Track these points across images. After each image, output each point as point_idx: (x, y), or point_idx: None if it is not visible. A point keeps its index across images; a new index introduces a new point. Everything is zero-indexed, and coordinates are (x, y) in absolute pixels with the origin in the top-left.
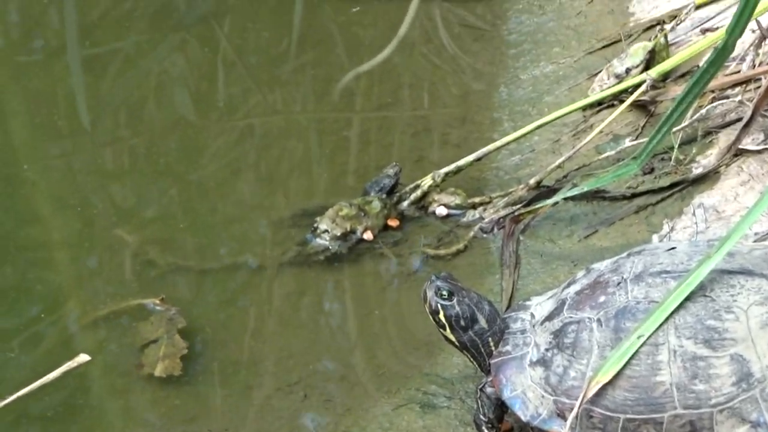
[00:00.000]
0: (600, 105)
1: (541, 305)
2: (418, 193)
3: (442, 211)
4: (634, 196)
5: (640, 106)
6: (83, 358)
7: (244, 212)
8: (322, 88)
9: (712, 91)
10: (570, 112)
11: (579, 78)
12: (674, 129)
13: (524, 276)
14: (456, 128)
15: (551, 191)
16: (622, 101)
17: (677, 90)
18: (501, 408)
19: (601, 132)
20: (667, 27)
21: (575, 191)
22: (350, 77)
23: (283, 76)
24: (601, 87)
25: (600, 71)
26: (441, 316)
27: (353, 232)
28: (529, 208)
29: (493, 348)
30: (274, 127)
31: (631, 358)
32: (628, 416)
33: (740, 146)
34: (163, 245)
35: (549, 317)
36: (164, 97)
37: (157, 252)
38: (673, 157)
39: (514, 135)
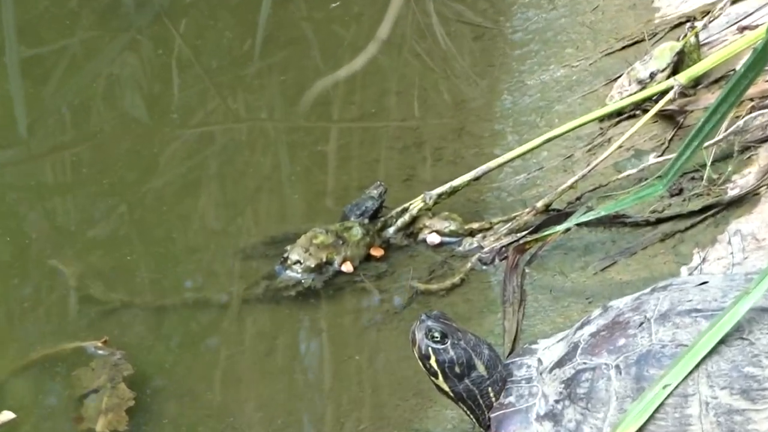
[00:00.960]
0: (620, 115)
1: (549, 349)
2: (407, 217)
3: (434, 238)
4: (659, 221)
5: (666, 116)
6: (7, 415)
7: (203, 238)
8: (294, 93)
9: (751, 99)
10: (584, 124)
11: (595, 84)
12: (706, 143)
13: (530, 315)
14: (451, 142)
15: (562, 216)
16: (645, 111)
17: (710, 98)
18: None
19: (620, 147)
20: (699, 24)
21: (590, 216)
22: (326, 83)
23: (246, 79)
24: (621, 94)
25: (620, 76)
26: (432, 361)
27: (330, 263)
28: (536, 236)
29: (493, 399)
30: (237, 136)
31: (656, 411)
32: None
33: None
34: (108, 277)
35: (559, 363)
36: (113, 101)
37: (101, 285)
38: (705, 177)
39: (520, 150)
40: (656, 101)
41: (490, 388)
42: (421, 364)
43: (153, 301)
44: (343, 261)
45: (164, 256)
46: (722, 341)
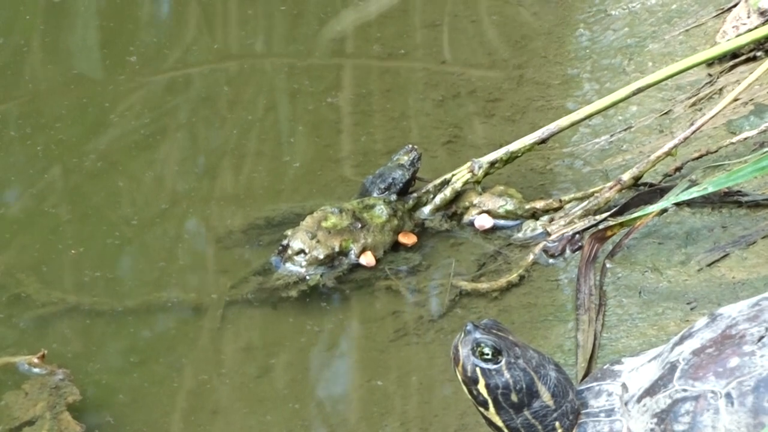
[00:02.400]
0: (735, 58)
1: (638, 371)
2: (448, 193)
3: (484, 221)
4: None
5: None
6: None
7: (173, 220)
8: (303, 27)
9: None
10: (688, 69)
11: (702, 15)
12: None
13: (612, 325)
14: (508, 92)
15: (656, 192)
16: None
17: None
18: None
19: (736, 100)
20: None
21: (694, 192)
22: (346, 19)
23: (236, 6)
24: (738, 29)
25: (736, 4)
26: (481, 386)
27: (344, 253)
28: (621, 219)
29: None
30: (219, 82)
31: None
32: None
33: None
34: (44, 271)
35: (651, 390)
36: (54, 40)
37: (36, 282)
38: None
39: (600, 104)
40: None
41: (557, 422)
42: (466, 389)
43: (105, 303)
44: (363, 251)
45: (120, 244)
46: None
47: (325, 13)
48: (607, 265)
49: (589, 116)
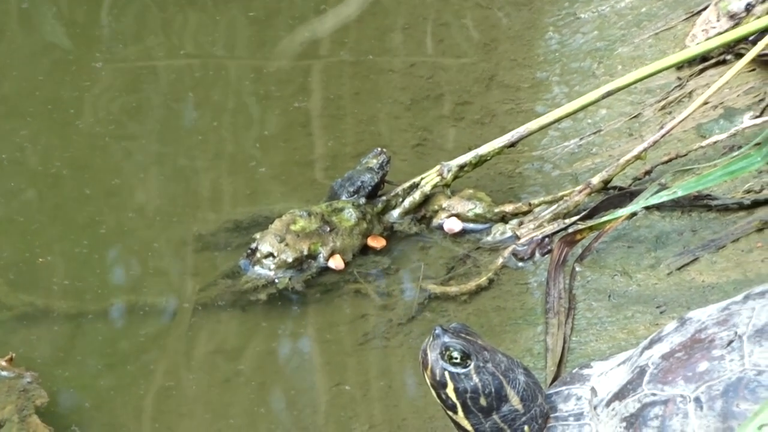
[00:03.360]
0: (704, 61)
1: (607, 375)
2: (417, 196)
3: (453, 225)
4: (756, 204)
5: (767, 63)
6: None
7: (142, 222)
8: (270, 32)
9: None
10: (657, 72)
11: (672, 18)
12: None
13: (582, 328)
14: (477, 95)
15: (626, 196)
16: (739, 56)
17: None
18: None
19: (705, 103)
20: None
21: (664, 196)
22: (312, 27)
23: (204, 3)
24: (707, 33)
25: (705, 8)
26: (450, 390)
27: (313, 257)
28: (590, 222)
29: None
30: (186, 78)
31: None
32: None
33: None
34: (12, 274)
35: (620, 394)
36: (25, 28)
37: (3, 285)
38: None
39: (570, 107)
40: (754, 42)
41: (526, 426)
42: (434, 393)
43: (73, 306)
44: (331, 254)
45: (88, 246)
46: None
47: (293, 19)
48: (577, 269)
49: (559, 119)
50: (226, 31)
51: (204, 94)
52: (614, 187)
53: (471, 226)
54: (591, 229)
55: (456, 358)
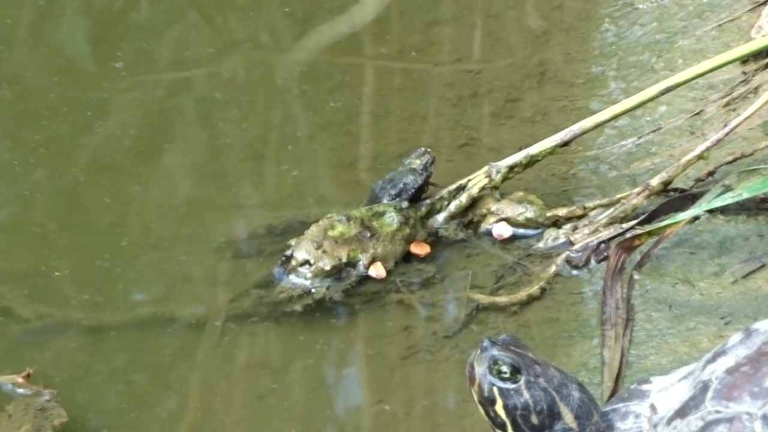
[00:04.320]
0: None
1: (667, 391)
2: (464, 199)
3: (503, 230)
4: None
5: None
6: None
7: (168, 228)
8: (309, 25)
9: None
10: (721, 66)
11: (736, 8)
12: None
13: (641, 341)
14: (527, 92)
15: (687, 198)
16: None
17: None
18: None
19: None
20: None
21: (728, 198)
22: (349, 20)
23: (238, 4)
24: None
25: None
26: (499, 407)
27: (352, 264)
28: (649, 227)
29: None
30: (220, 81)
31: None
32: None
33: None
34: (30, 284)
35: (681, 412)
36: (45, 32)
37: (21, 295)
38: None
39: (627, 104)
40: None
41: None
42: (482, 410)
43: (95, 318)
44: (372, 262)
45: (111, 255)
46: None
47: (331, 13)
48: (635, 277)
49: (615, 117)
50: (259, 27)
51: (233, 94)
52: (675, 189)
53: (521, 231)
54: (650, 234)
55: (505, 373)
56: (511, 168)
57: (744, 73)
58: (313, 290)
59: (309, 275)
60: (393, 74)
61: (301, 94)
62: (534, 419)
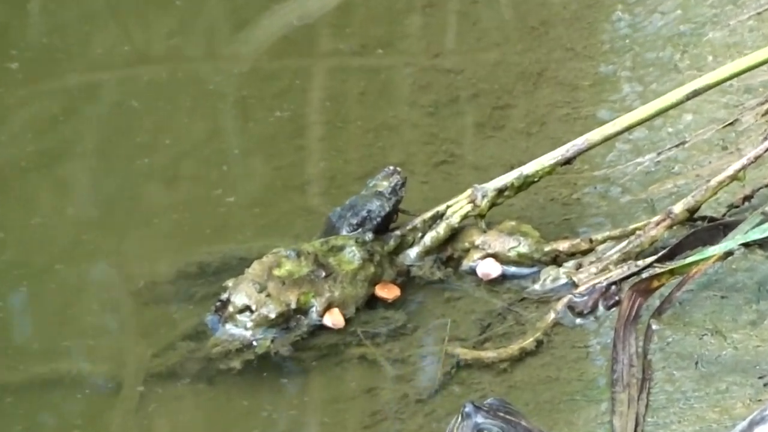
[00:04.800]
0: None
1: None
2: (442, 230)
3: (490, 268)
4: None
5: None
6: None
7: (75, 268)
8: (248, 18)
9: None
10: (760, 65)
11: None
12: None
13: (660, 406)
14: (521, 96)
15: (718, 229)
16: None
17: None
18: None
19: None
20: None
21: None
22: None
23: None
24: None
25: None
26: None
27: (303, 311)
28: (671, 264)
29: None
30: (138, 86)
31: None
32: None
33: None
34: None
35: None
36: None
37: None
38: None
39: (644, 111)
40: None
41: None
42: None
43: None
44: (328, 308)
45: (6, 301)
46: None
47: (277, 1)
48: (653, 327)
49: (630, 128)
50: (186, 17)
51: (153, 101)
52: (703, 218)
53: (513, 269)
54: (672, 273)
55: None
56: (501, 191)
57: None
58: (254, 343)
59: (250, 324)
60: (353, 75)
61: (238, 100)
62: None
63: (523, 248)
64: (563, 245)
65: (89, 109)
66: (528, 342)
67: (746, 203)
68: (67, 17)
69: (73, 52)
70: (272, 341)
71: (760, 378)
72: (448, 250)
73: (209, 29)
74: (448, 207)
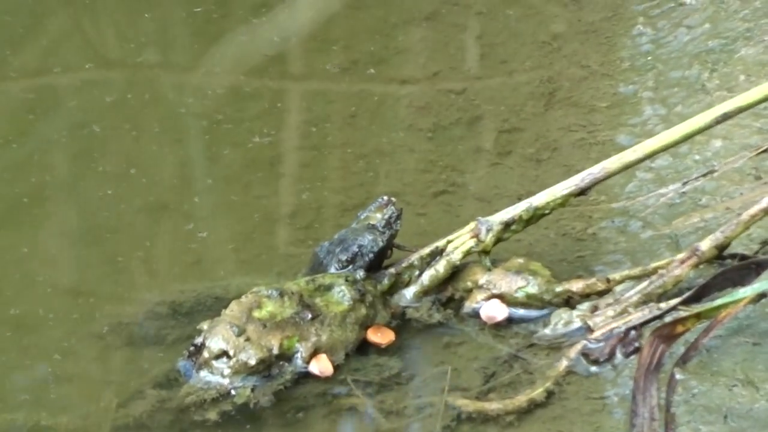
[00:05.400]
0: None
1: None
2: (441, 268)
3: (495, 311)
4: None
5: None
6: None
7: (34, 309)
8: (217, 29)
9: None
10: None
11: None
12: None
13: None
14: (530, 118)
15: (750, 268)
16: None
17: None
18: None
19: None
20: None
21: None
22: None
23: (132, 10)
24: None
25: None
26: None
27: (287, 357)
28: (698, 307)
29: None
30: (95, 99)
31: None
32: None
33: None
34: None
35: None
36: None
37: None
38: None
39: (668, 136)
40: None
41: None
42: None
43: None
44: (314, 353)
45: None
46: None
47: (256, 9)
48: (677, 376)
49: (652, 155)
50: (155, 32)
51: (117, 125)
52: (733, 255)
53: (521, 312)
54: (699, 317)
55: None
56: (507, 225)
57: None
58: (232, 392)
59: (227, 371)
60: (342, 96)
61: (213, 124)
62: None
63: (532, 288)
64: (577, 285)
65: (47, 132)
66: (537, 392)
67: None
68: (14, 29)
69: (23, 65)
70: (252, 390)
71: None
72: (449, 290)
73: (180, 44)
74: (448, 242)
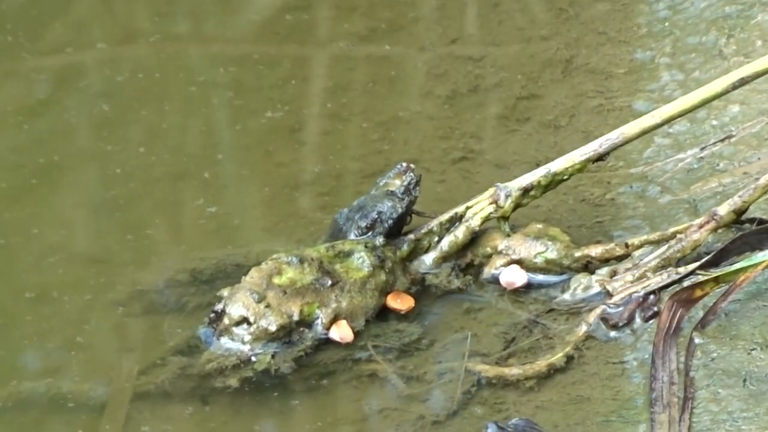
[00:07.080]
0: None
1: None
2: (461, 234)
3: (514, 276)
4: None
5: None
6: None
7: (54, 277)
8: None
9: None
10: None
11: None
12: None
13: (704, 428)
14: (549, 85)
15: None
16: None
17: None
18: None
19: None
20: None
21: None
22: None
23: None
24: None
25: None
26: None
27: (307, 323)
28: (716, 272)
29: None
30: (117, 69)
31: None
32: None
33: None
34: None
35: None
36: None
37: None
38: None
39: (686, 102)
40: None
41: None
42: None
43: None
44: (335, 320)
45: None
46: None
47: None
48: (696, 340)
49: (670, 120)
50: (181, 1)
51: (141, 93)
52: (751, 220)
53: (540, 277)
54: (717, 281)
55: None
56: (526, 191)
57: None
58: (253, 358)
59: (247, 338)
60: (360, 63)
61: (233, 93)
62: None
63: (551, 254)
64: (596, 250)
65: (70, 101)
66: (557, 357)
67: None
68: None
69: (44, 42)
70: (273, 357)
71: None
72: (468, 256)
73: (195, 14)
74: (467, 208)
